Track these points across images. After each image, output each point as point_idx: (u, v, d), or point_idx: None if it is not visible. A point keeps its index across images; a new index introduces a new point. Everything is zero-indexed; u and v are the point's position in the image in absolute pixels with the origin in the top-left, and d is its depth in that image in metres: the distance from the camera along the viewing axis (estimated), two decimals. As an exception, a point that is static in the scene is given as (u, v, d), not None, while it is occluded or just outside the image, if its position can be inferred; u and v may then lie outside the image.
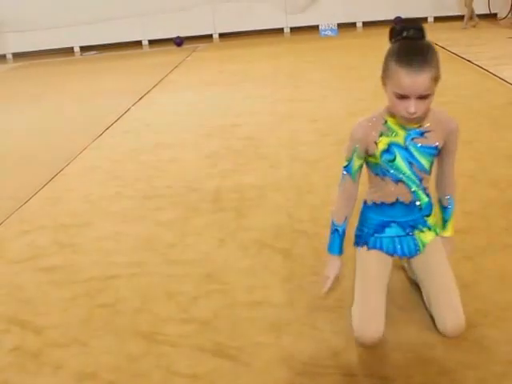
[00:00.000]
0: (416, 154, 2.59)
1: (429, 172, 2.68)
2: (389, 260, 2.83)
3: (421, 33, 2.45)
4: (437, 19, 15.31)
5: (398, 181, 2.63)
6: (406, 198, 2.67)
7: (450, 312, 2.64)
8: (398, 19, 14.26)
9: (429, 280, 2.73)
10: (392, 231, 2.74)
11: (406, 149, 2.59)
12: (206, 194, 4.89)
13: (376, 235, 2.78)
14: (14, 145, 7.20)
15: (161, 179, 5.36)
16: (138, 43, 16.58)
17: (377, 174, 2.68)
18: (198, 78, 10.79)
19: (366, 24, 15.62)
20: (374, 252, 2.78)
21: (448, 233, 2.95)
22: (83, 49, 16.53)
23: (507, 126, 5.97)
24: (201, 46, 15.40)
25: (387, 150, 2.60)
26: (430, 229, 2.77)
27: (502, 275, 3.24)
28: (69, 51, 16.47)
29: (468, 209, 4.03)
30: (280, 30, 16.42)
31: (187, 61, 13.07)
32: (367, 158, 2.69)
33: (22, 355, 2.96)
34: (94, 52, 16.16)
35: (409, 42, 2.44)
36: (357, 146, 2.64)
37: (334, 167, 5.15)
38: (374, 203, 2.76)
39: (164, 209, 4.66)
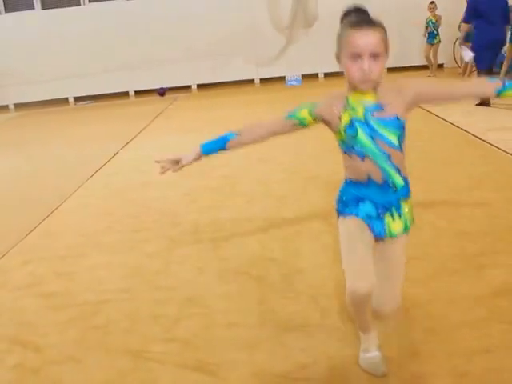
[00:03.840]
0: (378, 127, 2.43)
1: (398, 147, 2.47)
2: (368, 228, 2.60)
3: (366, 12, 2.44)
4: (399, 69, 15.29)
5: (363, 157, 2.46)
6: (376, 176, 2.48)
7: (390, 300, 2.59)
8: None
9: (381, 266, 2.57)
10: (365, 208, 2.54)
11: (367, 124, 2.44)
12: (186, 228, 4.91)
13: (351, 207, 2.58)
14: (13, 185, 7.20)
15: (147, 215, 5.36)
16: (126, 94, 16.62)
17: (345, 152, 2.53)
18: (178, 124, 10.81)
19: (327, 74, 15.74)
20: (353, 219, 2.57)
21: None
22: (77, 99, 16.55)
23: (454, 163, 6.08)
24: (181, 95, 15.47)
25: (350, 125, 2.46)
26: (400, 217, 2.57)
27: (451, 298, 3.29)
28: (64, 101, 16.48)
29: (421, 237, 4.08)
30: (251, 81, 16.57)
31: (169, 109, 13.08)
32: (334, 134, 2.56)
33: (23, 372, 2.97)
34: (87, 102, 16.19)
35: (358, 14, 2.42)
36: (317, 104, 2.57)
37: (302, 201, 5.25)
38: (351, 181, 2.59)
39: (150, 241, 4.67)
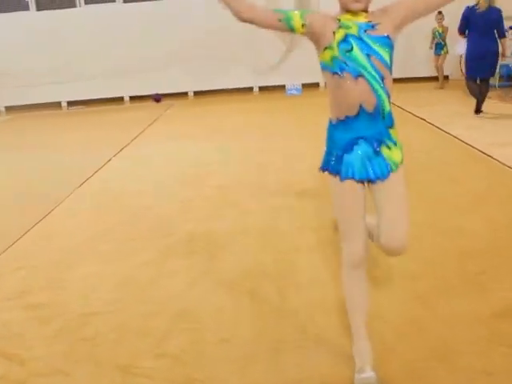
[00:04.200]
0: (372, 44, 2.50)
1: (389, 66, 2.55)
2: (362, 190, 2.69)
3: None
4: (405, 80, 15.33)
5: (357, 76, 2.49)
6: (369, 101, 2.52)
7: (400, 236, 2.66)
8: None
9: (385, 207, 2.65)
10: (360, 148, 2.59)
11: (361, 39, 2.49)
12: (180, 238, 4.90)
13: (346, 156, 2.62)
14: (4, 190, 7.19)
15: (140, 224, 5.35)
16: (121, 99, 16.59)
17: (335, 73, 2.53)
18: (174, 131, 10.80)
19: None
20: (347, 184, 2.64)
21: None
22: (70, 103, 16.49)
23: (457, 178, 6.07)
24: (177, 102, 15.47)
25: (344, 40, 2.50)
26: (395, 144, 2.64)
27: (452, 317, 3.28)
28: (57, 105, 16.43)
29: (422, 256, 4.08)
30: (250, 89, 16.58)
31: (164, 116, 13.07)
32: (322, 55, 2.58)
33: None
34: (80, 107, 16.15)
35: None
36: (310, 12, 2.59)
37: (297, 212, 5.24)
38: (339, 120, 2.62)
39: (143, 250, 4.66)
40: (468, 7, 9.69)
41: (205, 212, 5.59)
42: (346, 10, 2.52)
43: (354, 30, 2.50)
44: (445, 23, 13.88)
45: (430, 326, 3.19)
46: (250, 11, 2.56)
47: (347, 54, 2.49)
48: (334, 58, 2.52)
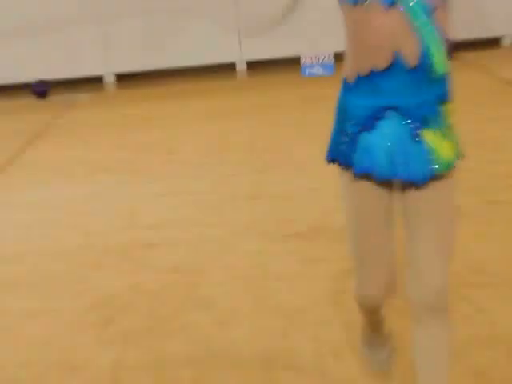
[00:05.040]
0: None
1: None
2: (387, 196, 3.07)
3: None
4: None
5: (391, 3, 2.80)
6: (409, 48, 2.81)
7: (434, 276, 2.95)
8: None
9: (418, 231, 2.99)
10: (388, 124, 2.90)
11: None
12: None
13: (365, 134, 2.94)
14: None
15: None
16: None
17: (356, 2, 2.85)
18: (77, 157, 10.87)
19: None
20: (364, 185, 3.02)
21: None
22: None
23: None
24: (83, 95, 15.61)
25: None
26: (449, 131, 2.95)
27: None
28: None
29: None
30: (230, 67, 16.61)
31: (56, 125, 13.08)
32: None
33: None
34: None
35: None
36: None
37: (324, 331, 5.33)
38: (360, 77, 2.96)
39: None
40: None
41: (143, 325, 5.68)
42: None
43: None
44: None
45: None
46: None
47: None
48: None
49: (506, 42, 15.97)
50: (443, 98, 2.87)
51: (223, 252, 6.85)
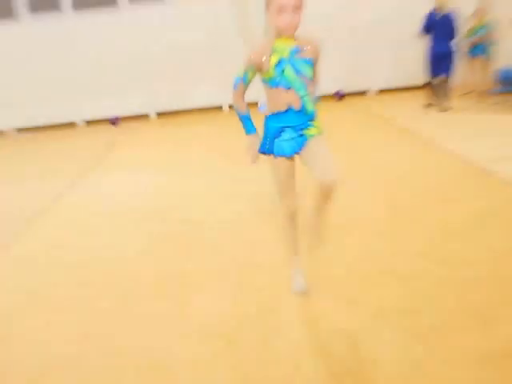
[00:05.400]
0: (298, 65, 3.67)
1: (311, 78, 3.77)
2: (291, 162, 3.94)
3: None
4: (392, 91, 15.73)
5: (288, 88, 3.69)
6: (296, 104, 3.73)
7: (329, 171, 3.54)
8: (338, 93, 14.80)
9: (312, 159, 3.70)
10: (287, 135, 3.82)
11: (291, 61, 3.66)
12: (145, 282, 4.87)
13: (276, 140, 3.85)
14: None
15: (97, 266, 5.31)
16: (73, 124, 16.39)
17: (271, 87, 3.72)
18: (133, 158, 10.74)
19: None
20: (280, 160, 3.90)
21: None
22: (19, 130, 16.30)
23: (453, 199, 6.07)
24: (137, 125, 15.51)
25: (278, 64, 3.64)
26: (313, 126, 3.84)
27: (453, 356, 3.33)
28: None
29: (420, 287, 4.14)
30: (219, 108, 16.49)
31: (121, 141, 13.01)
32: (263, 75, 3.72)
33: None
34: (29, 133, 15.96)
35: None
36: (252, 65, 3.67)
37: (275, 246, 5.25)
38: (272, 114, 3.83)
39: (101, 297, 4.64)
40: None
41: (171, 251, 5.53)
42: (280, 35, 3.62)
43: (285, 54, 3.65)
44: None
45: (428, 366, 3.24)
46: (243, 95, 3.93)
47: (281, 74, 3.66)
48: (271, 77, 3.69)
49: (370, 93, 15.89)
50: (312, 119, 3.84)
51: (214, 211, 6.64)
